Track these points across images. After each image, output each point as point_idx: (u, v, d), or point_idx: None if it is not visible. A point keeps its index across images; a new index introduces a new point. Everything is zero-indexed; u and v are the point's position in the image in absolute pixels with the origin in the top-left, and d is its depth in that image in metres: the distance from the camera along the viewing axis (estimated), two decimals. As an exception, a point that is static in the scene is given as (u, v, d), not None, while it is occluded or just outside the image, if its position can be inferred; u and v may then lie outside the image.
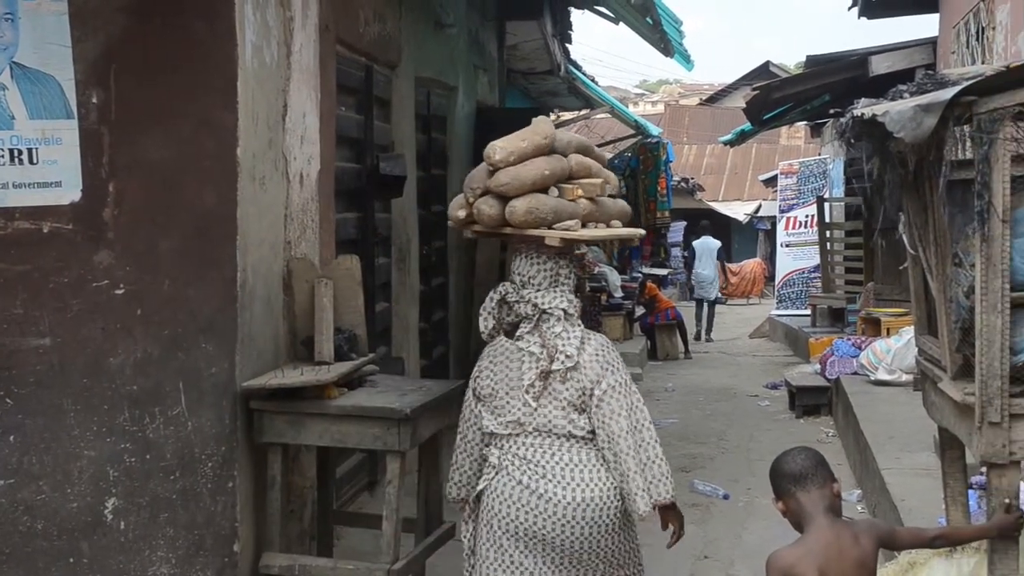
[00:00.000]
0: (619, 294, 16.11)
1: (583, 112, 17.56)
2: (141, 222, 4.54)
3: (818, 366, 11.90)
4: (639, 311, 16.81)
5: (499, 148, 4.36)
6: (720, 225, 30.67)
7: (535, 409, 4.23)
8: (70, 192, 4.56)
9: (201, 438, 4.56)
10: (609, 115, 18.18)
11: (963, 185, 3.81)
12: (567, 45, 13.98)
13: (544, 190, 4.35)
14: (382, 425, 4.64)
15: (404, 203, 7.52)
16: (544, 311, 4.28)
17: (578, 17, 13.69)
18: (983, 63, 8.49)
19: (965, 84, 3.57)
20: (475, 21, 10.12)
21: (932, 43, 11.91)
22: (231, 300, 4.56)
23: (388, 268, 7.40)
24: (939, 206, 3.97)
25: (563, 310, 4.30)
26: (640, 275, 18.47)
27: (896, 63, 11.91)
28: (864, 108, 3.94)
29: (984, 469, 3.76)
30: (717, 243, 20.86)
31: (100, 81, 4.52)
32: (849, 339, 12.10)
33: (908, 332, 9.97)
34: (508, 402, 4.28)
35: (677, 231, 26.81)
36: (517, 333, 4.32)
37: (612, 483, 4.19)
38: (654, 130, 20.06)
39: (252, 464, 4.74)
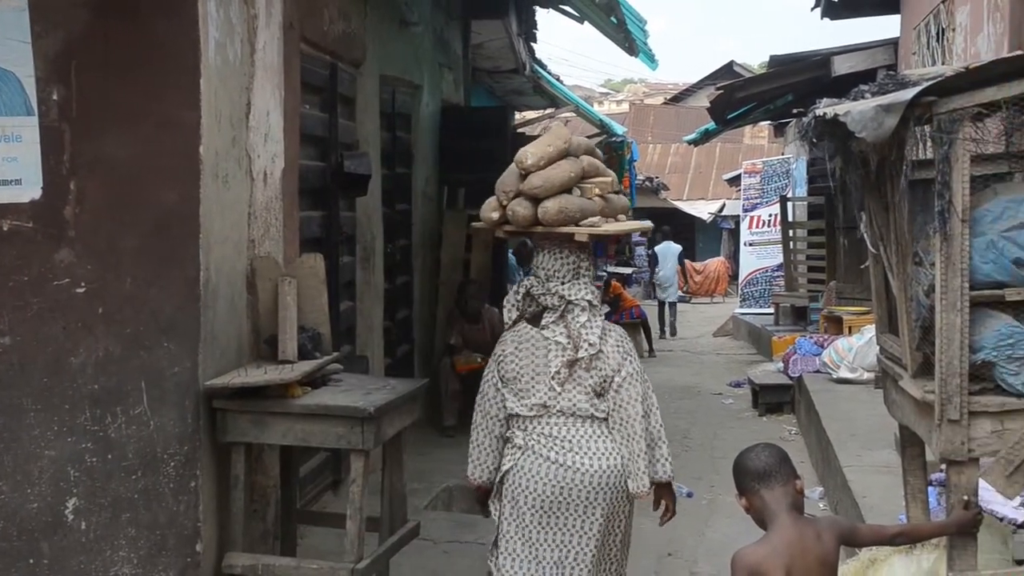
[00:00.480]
0: (584, 292, 16.06)
1: (548, 111, 17.58)
2: (102, 220, 4.50)
3: (781, 364, 11.97)
4: (604, 309, 16.81)
5: (530, 154, 4.70)
6: (684, 224, 30.81)
7: (560, 393, 4.59)
8: (30, 190, 4.51)
9: (163, 437, 4.53)
10: (574, 114, 18.21)
11: (924, 185, 3.84)
12: (532, 44, 13.98)
13: (569, 190, 4.71)
14: (346, 424, 4.63)
15: (369, 201, 7.50)
16: (570, 302, 4.64)
17: (543, 16, 13.72)
18: (943, 64, 8.57)
19: (925, 85, 3.61)
20: (440, 20, 10.11)
21: (894, 44, 12.00)
22: (194, 299, 4.53)
23: (352, 267, 7.38)
24: (900, 205, 4.00)
25: (588, 301, 4.67)
26: (604, 274, 18.51)
27: (858, 63, 11.99)
28: (826, 108, 3.97)
29: (944, 466, 3.80)
30: (678, 248, 21.36)
31: (61, 78, 4.48)
32: (812, 337, 12.18)
33: (870, 330, 10.04)
34: (533, 386, 4.60)
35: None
36: (542, 322, 4.65)
37: (620, 460, 4.58)
38: (619, 129, 20.10)
39: (215, 463, 4.72)
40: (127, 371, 4.52)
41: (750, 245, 19.95)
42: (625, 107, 43.19)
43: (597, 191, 4.82)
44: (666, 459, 4.70)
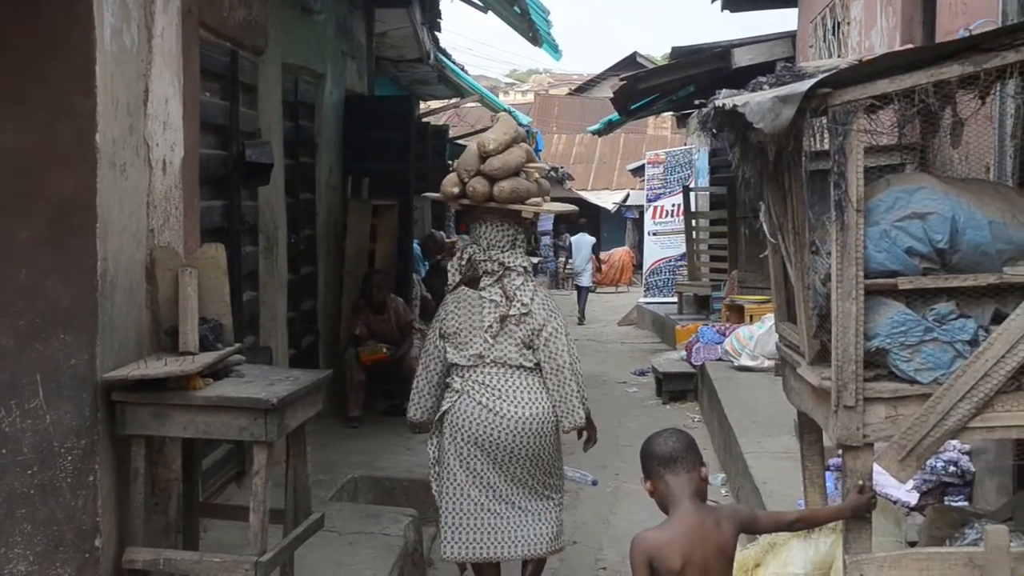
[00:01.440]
0: (489, 282, 16.13)
1: (453, 100, 17.56)
2: (-5, 210, 4.39)
3: (684, 353, 12.13)
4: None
5: (491, 140, 5.54)
6: (589, 214, 30.97)
7: (493, 345, 5.45)
8: (-81, 179, 4.38)
9: (60, 431, 4.44)
10: (479, 104, 18.22)
11: (820, 175, 3.92)
12: (436, 33, 13.94)
13: (518, 173, 5.57)
14: (249, 415, 4.58)
15: (271, 191, 7.42)
16: (508, 268, 5.53)
17: (447, 5, 13.68)
18: (839, 57, 8.74)
19: (821, 77, 3.68)
20: (343, 8, 10.02)
21: (791, 37, 12.21)
22: (91, 290, 4.44)
23: (255, 257, 7.29)
24: (798, 196, 4.08)
25: (523, 267, 5.58)
26: (510, 263, 18.53)
27: (757, 56, 12.18)
28: (726, 99, 4.03)
29: (840, 451, 3.88)
30: (592, 239, 22.96)
31: (-50, 63, 4.35)
32: (714, 326, 12.36)
33: (770, 319, 10.22)
34: (471, 339, 5.50)
35: (547, 220, 27.02)
36: (480, 284, 5.50)
37: (550, 404, 5.47)
38: (524, 119, 20.14)
39: (114, 457, 4.64)
40: (22, 364, 4.41)
41: (654, 235, 20.16)
42: (530, 97, 43.28)
43: (536, 175, 5.64)
44: (585, 400, 5.63)
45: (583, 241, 22.97)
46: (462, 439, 5.41)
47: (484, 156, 5.52)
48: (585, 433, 5.77)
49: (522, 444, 5.38)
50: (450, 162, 17.79)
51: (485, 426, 5.37)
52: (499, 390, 5.40)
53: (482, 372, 5.43)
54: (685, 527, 3.40)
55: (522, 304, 5.44)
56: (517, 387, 5.41)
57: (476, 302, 5.51)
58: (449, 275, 5.61)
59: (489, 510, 5.42)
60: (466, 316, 5.51)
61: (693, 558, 3.36)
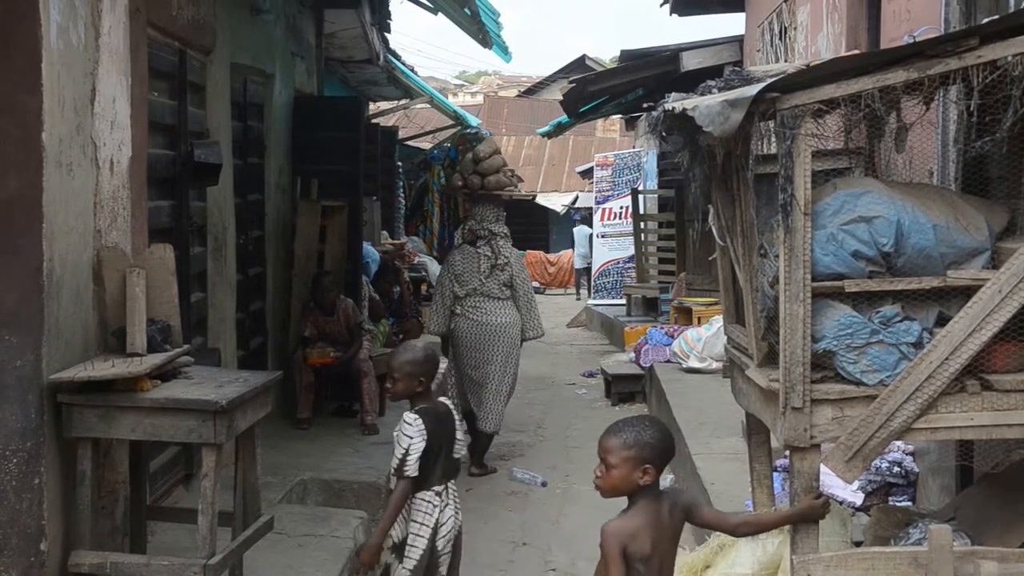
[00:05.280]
0: (439, 284, 16.12)
1: (403, 102, 17.49)
2: (-62, 209, 4.33)
3: (633, 354, 12.18)
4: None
5: (482, 151, 11.98)
6: (538, 216, 31.04)
7: (484, 283, 8.65)
8: None
9: (5, 434, 4.39)
10: (429, 105, 18.16)
11: (768, 179, 3.96)
12: (386, 34, 13.90)
13: (498, 171, 11.33)
14: (197, 417, 4.56)
15: (220, 191, 7.37)
16: (495, 233, 8.77)
17: (397, 6, 13.66)
18: (786, 61, 8.83)
19: (769, 81, 3.72)
20: (292, 8, 9.97)
21: (739, 41, 12.32)
22: (36, 290, 4.40)
23: (204, 257, 7.24)
24: (746, 199, 4.11)
25: (505, 233, 8.88)
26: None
27: (706, 59, 12.27)
28: (675, 102, 4.06)
29: (788, 452, 3.92)
30: (590, 230, 23.51)
31: None
32: (662, 328, 12.42)
33: (718, 321, 10.30)
34: (469, 279, 8.69)
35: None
36: (477, 244, 8.73)
37: (518, 318, 8.71)
38: (473, 121, 20.14)
39: (61, 459, 4.59)
40: (-35, 366, 4.36)
41: (602, 237, 20.21)
42: (479, 99, 43.24)
43: (510, 173, 10.81)
44: (540, 323, 9.05)
45: (583, 232, 25.74)
46: (462, 344, 8.66)
47: (477, 161, 10.08)
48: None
49: (499, 340, 8.61)
50: (399, 164, 17.79)
51: (476, 331, 8.61)
52: (486, 310, 8.64)
53: (475, 300, 8.65)
54: (651, 515, 3.52)
55: (504, 257, 8.68)
56: (497, 309, 8.65)
57: (474, 255, 8.72)
58: (456, 238, 8.84)
59: (472, 383, 8.66)
60: (467, 264, 8.72)
61: (658, 544, 3.49)
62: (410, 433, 4.64)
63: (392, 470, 4.67)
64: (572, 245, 31.50)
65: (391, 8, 13.32)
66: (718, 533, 4.82)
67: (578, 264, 26.97)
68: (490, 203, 9.10)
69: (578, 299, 24.95)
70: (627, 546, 3.43)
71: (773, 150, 3.89)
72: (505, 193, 9.10)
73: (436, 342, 8.75)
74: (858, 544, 4.71)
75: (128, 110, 5.36)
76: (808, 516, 3.83)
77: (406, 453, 4.62)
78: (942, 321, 3.83)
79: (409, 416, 4.67)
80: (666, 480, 7.90)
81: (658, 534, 3.50)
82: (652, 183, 18.05)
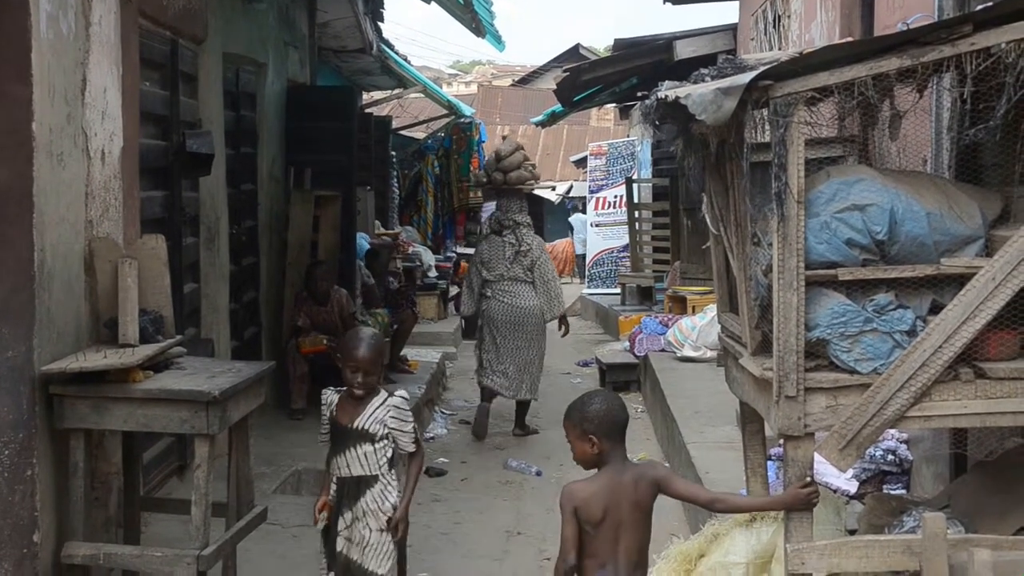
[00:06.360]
0: (433, 274, 16.14)
1: (396, 91, 17.46)
2: (-73, 200, 4.31)
3: (627, 343, 12.17)
4: (453, 290, 16.89)
5: (504, 149, 10.18)
6: (532, 205, 30.95)
7: (509, 268, 9.58)
8: None
9: (-3, 425, 4.38)
10: (422, 95, 18.15)
11: (761, 167, 3.95)
12: (379, 23, 13.85)
13: (520, 167, 10.01)
14: (190, 408, 4.55)
15: (213, 182, 7.35)
16: (518, 223, 9.73)
17: (390, -5, 13.59)
18: (779, 50, 8.81)
19: (762, 69, 3.70)
20: (285, -3, 9.95)
21: (733, 29, 12.30)
22: (28, 281, 4.38)
23: (196, 248, 7.22)
24: (739, 187, 4.10)
25: (527, 223, 9.85)
26: (454, 255, 18.54)
27: (699, 48, 12.25)
28: (668, 91, 4.04)
29: (782, 441, 3.92)
30: (587, 217, 23.30)
31: None
32: (657, 317, 12.41)
33: (712, 310, 10.29)
34: (496, 265, 9.63)
35: (490, 210, 27.00)
36: (502, 233, 9.69)
37: (539, 301, 9.57)
38: (467, 110, 20.11)
39: (53, 451, 4.58)
40: (-43, 357, 4.34)
41: (596, 226, 20.19)
42: (473, 88, 43.14)
43: (530, 168, 10.15)
44: (563, 304, 9.85)
45: (581, 219, 26.20)
46: (491, 323, 9.55)
47: (500, 159, 10.03)
48: (563, 326, 10.04)
49: (526, 322, 9.53)
50: (393, 153, 17.76)
51: (505, 313, 9.52)
52: (512, 293, 9.54)
53: (502, 284, 9.57)
54: (609, 484, 3.74)
55: (527, 244, 9.63)
56: (522, 292, 9.56)
57: (500, 243, 9.69)
58: (484, 228, 10.62)
59: (500, 362, 9.50)
60: (494, 251, 9.70)
61: (611, 511, 3.71)
62: (410, 415, 4.72)
63: (409, 447, 4.71)
64: (568, 233, 31.59)
65: (384, -3, 13.27)
66: (712, 522, 4.82)
67: (579, 250, 27.10)
68: (514, 196, 9.91)
69: (582, 283, 25.19)
70: (578, 508, 3.71)
71: (766, 138, 3.88)
72: (527, 187, 10.04)
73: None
74: (852, 532, 4.71)
75: (119, 100, 5.34)
76: (794, 505, 3.83)
77: (415, 428, 4.72)
78: (936, 309, 3.83)
79: (399, 400, 4.69)
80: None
81: (613, 502, 3.71)
82: (646, 172, 18.02)
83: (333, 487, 4.70)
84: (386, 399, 4.68)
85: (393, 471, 4.72)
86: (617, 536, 3.74)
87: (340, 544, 4.65)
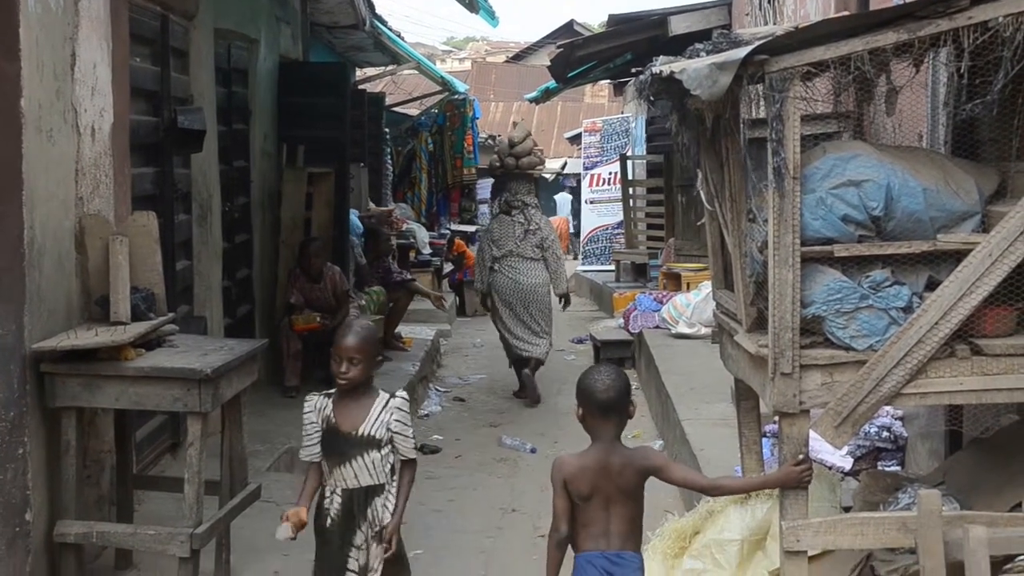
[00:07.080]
0: (428, 251, 16.11)
1: (389, 68, 17.36)
2: (-84, 177, 4.27)
3: (622, 320, 12.16)
4: (448, 268, 16.86)
5: (516, 136, 11.08)
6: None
7: (519, 246, 10.28)
8: None
9: (-12, 404, 4.35)
10: (416, 71, 18.05)
11: (757, 143, 3.92)
12: (372, -1, 13.77)
13: (530, 152, 10.91)
14: (182, 386, 4.53)
15: (204, 158, 7.30)
16: (527, 204, 10.52)
17: (384, -30, 13.50)
18: (775, 24, 8.76)
19: (757, 44, 3.67)
20: (277, -28, 9.88)
21: (728, 5, 12.23)
22: (18, 258, 4.35)
23: (189, 225, 7.18)
24: (735, 163, 4.08)
25: (536, 204, 10.68)
26: (448, 232, 18.51)
27: (694, 23, 12.17)
28: (663, 66, 4.01)
29: (777, 418, 3.91)
30: (570, 196, 25.42)
31: None
32: (651, 294, 12.40)
33: (707, 287, 10.27)
34: (506, 243, 10.32)
35: (484, 188, 26.86)
36: (512, 213, 10.44)
37: (547, 277, 10.37)
38: (461, 87, 20.02)
39: (45, 429, 4.57)
40: (-54, 335, 4.31)
41: (591, 203, 20.16)
42: (467, 65, 43.03)
43: (539, 153, 11.06)
44: (567, 280, 10.85)
45: (565, 198, 28.47)
46: (502, 297, 10.27)
47: (512, 145, 10.96)
48: (564, 301, 10.84)
49: (532, 296, 10.21)
50: (387, 130, 17.68)
51: (514, 288, 10.22)
52: (520, 270, 10.25)
53: (512, 261, 10.26)
54: (595, 463, 3.77)
55: (536, 224, 10.41)
56: (531, 268, 10.27)
57: (510, 222, 10.41)
58: (494, 207, 10.99)
59: (517, 327, 10.20)
60: (504, 229, 10.40)
61: (599, 489, 3.75)
62: (410, 418, 4.36)
63: (409, 453, 4.31)
64: (554, 211, 31.63)
65: (377, -28, 13.17)
66: (707, 499, 4.81)
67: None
68: (524, 180, 10.76)
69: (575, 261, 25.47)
70: (567, 480, 3.76)
71: (762, 114, 3.85)
72: (536, 172, 11.03)
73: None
74: (847, 509, 4.71)
75: (109, 76, 5.30)
76: (788, 483, 3.82)
77: (413, 434, 4.37)
78: (932, 285, 3.81)
79: (400, 401, 4.29)
80: (656, 445, 7.90)
81: (601, 480, 3.75)
82: (640, 148, 17.98)
83: (337, 498, 4.27)
84: (388, 401, 4.27)
85: (394, 478, 4.33)
86: (608, 508, 3.78)
87: (352, 563, 4.26)
